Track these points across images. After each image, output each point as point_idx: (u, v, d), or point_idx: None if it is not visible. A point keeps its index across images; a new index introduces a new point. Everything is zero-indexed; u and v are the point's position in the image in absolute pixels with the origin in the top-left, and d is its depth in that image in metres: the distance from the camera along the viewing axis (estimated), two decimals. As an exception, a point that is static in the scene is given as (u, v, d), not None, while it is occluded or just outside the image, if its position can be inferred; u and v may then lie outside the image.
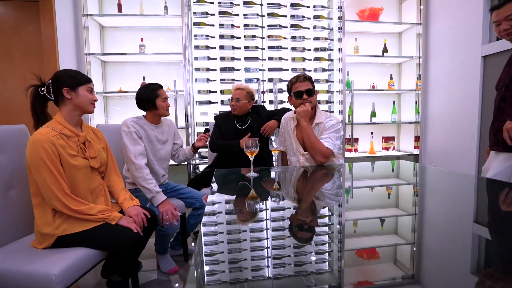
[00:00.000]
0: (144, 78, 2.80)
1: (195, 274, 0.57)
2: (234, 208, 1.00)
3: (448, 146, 2.67)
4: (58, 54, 2.25)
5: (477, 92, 2.33)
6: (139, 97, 1.70)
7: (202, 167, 2.81)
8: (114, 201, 1.38)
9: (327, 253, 0.65)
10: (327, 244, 0.70)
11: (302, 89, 1.65)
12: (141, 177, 1.57)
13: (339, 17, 2.78)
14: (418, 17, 2.93)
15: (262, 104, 2.44)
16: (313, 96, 1.67)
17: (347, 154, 2.97)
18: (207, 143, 1.98)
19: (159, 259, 1.77)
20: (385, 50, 3.10)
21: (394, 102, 3.21)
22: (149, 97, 1.67)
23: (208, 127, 2.06)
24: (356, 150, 3.13)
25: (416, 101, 3.03)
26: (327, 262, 0.60)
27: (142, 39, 2.75)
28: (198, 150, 2.15)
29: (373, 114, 3.13)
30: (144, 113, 1.75)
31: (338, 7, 2.78)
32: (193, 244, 2.07)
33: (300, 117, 1.62)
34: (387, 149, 3.24)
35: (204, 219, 0.86)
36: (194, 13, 2.71)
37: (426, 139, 2.97)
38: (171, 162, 2.01)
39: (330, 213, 0.93)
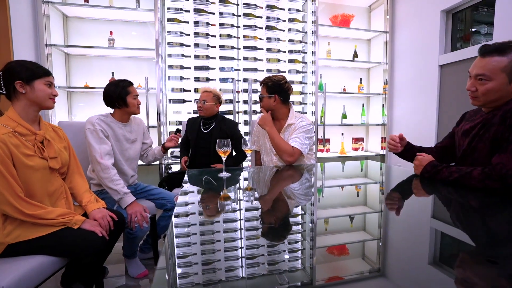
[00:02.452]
0: (113, 73, 2.66)
1: (167, 278, 0.55)
2: (203, 207, 0.98)
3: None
4: (12, 43, 2.04)
5: (435, 98, 2.54)
6: (108, 94, 1.60)
7: (174, 167, 2.73)
8: (77, 204, 1.29)
9: (299, 251, 0.66)
10: (299, 242, 0.71)
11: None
12: (107, 177, 1.48)
13: (313, 21, 2.86)
14: (385, 26, 3.11)
15: (235, 121, 2.29)
16: (261, 102, 1.72)
17: (319, 154, 3.06)
18: (178, 143, 1.93)
19: (128, 264, 1.68)
20: (355, 55, 3.24)
21: (363, 105, 3.38)
22: (120, 94, 1.58)
23: (180, 127, 2.00)
24: (328, 151, 3.25)
25: (383, 105, 3.21)
26: (299, 260, 0.61)
27: (111, 33, 2.60)
28: (169, 150, 2.08)
29: (344, 116, 3.26)
30: (111, 110, 1.66)
31: (312, 11, 2.86)
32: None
33: (261, 126, 1.69)
34: (356, 149, 3.40)
35: (176, 220, 0.83)
36: (168, 8, 2.62)
37: (392, 141, 3.15)
38: (143, 162, 1.92)
39: (303, 212, 0.95)
